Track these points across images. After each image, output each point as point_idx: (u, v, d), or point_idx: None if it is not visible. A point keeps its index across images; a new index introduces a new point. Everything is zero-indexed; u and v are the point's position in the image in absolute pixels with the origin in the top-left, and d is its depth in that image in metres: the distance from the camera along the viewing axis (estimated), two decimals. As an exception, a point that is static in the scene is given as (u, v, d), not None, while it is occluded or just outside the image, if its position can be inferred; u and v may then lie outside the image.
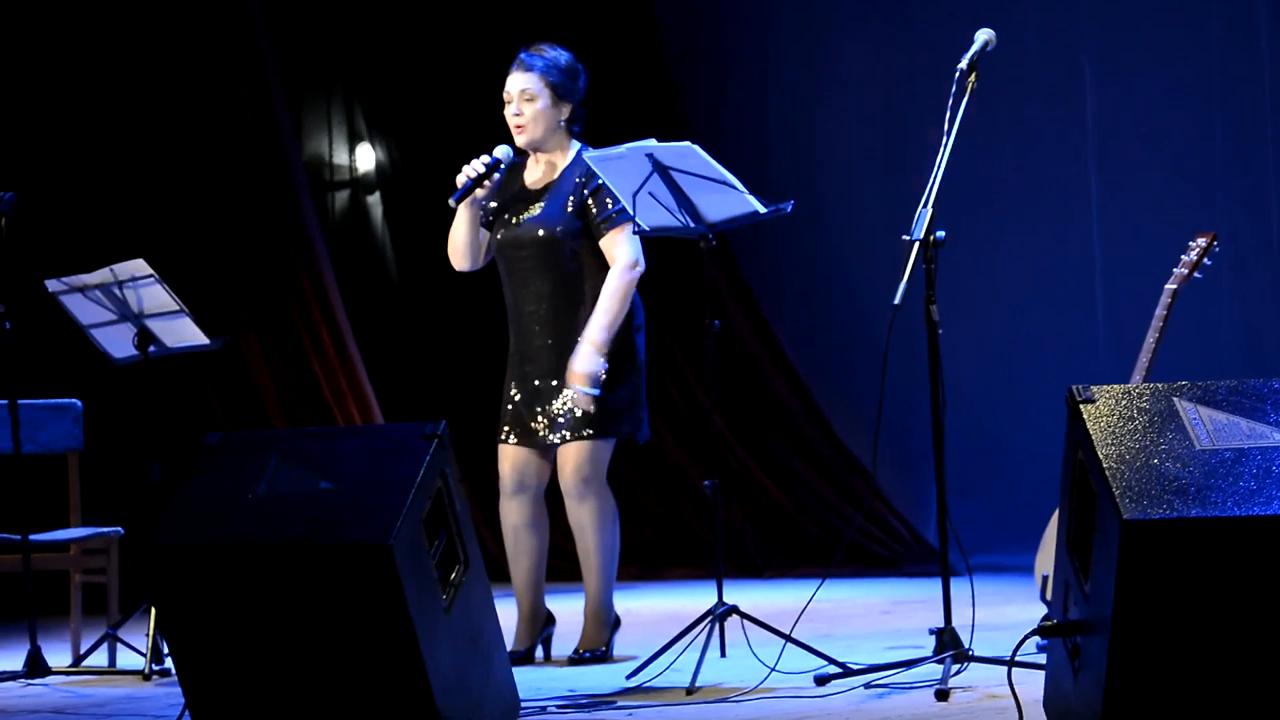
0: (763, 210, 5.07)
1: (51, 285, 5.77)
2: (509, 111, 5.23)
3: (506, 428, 5.30)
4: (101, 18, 8.67)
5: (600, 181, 5.18)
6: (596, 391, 5.11)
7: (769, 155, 9.10)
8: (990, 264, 8.63)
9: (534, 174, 5.32)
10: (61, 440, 6.22)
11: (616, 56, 9.34)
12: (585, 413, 5.14)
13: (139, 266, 5.64)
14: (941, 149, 4.61)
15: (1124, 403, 3.55)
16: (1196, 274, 5.13)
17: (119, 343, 5.84)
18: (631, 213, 5.15)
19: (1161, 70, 8.36)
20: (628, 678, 4.89)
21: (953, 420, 4.84)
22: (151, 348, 5.76)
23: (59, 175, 8.52)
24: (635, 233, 5.22)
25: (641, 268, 5.22)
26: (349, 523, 3.87)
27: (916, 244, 4.57)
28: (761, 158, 8.99)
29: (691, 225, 5.12)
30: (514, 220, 5.24)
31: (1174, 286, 5.10)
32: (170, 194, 8.78)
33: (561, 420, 5.19)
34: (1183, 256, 5.14)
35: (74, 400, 6.28)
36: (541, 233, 5.19)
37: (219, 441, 4.18)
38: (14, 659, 5.68)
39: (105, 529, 6.01)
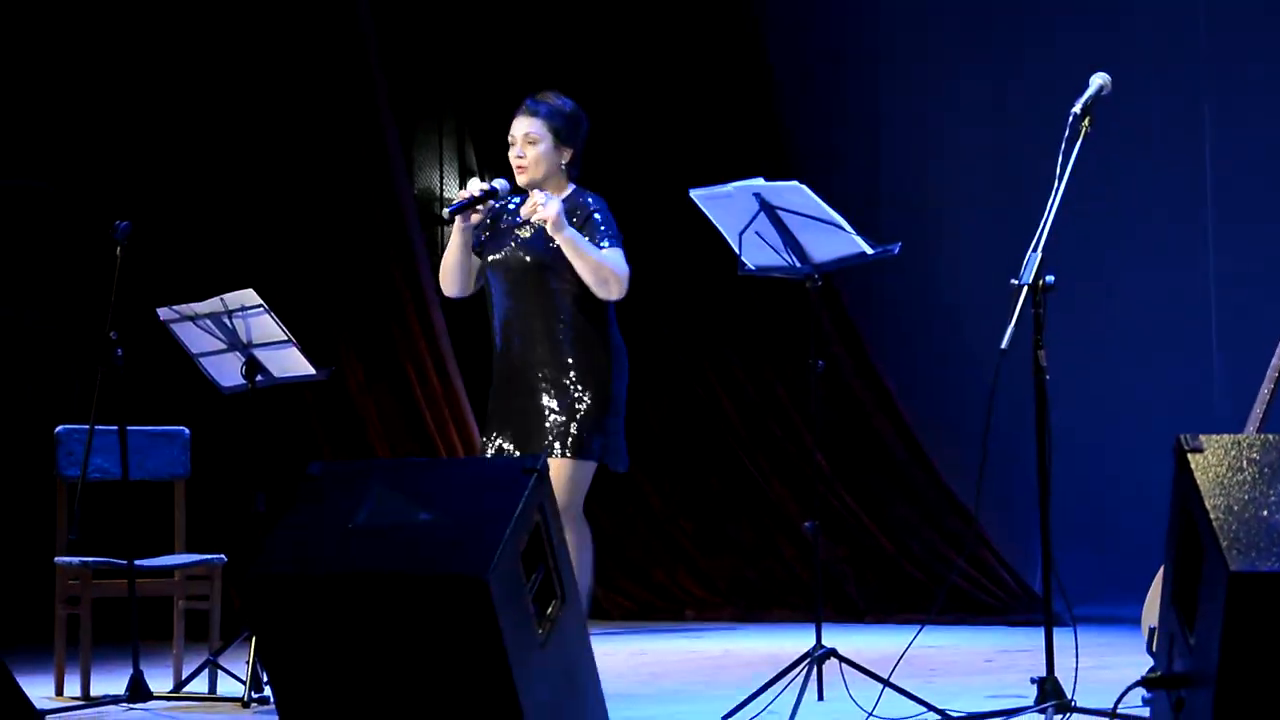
0: (870, 251, 5.04)
1: (163, 314, 5.85)
2: (512, 153, 5.39)
3: (484, 439, 5.39)
4: (216, 50, 8.81)
5: (590, 213, 5.28)
6: (557, 209, 5.18)
7: (879, 196, 9.07)
8: (1103, 308, 8.53)
9: (529, 207, 5.40)
10: (169, 467, 6.29)
11: (727, 96, 9.36)
12: (560, 434, 5.20)
13: (249, 296, 5.70)
14: (1053, 193, 4.57)
15: (1233, 453, 3.49)
16: (1314, 323, 5.03)
17: (227, 372, 5.90)
18: (737, 249, 5.13)
19: (1283, 111, 8.24)
20: (724, 718, 4.86)
21: (1060, 466, 4.78)
22: (259, 377, 5.82)
23: (173, 205, 8.65)
24: (741, 273, 5.22)
25: (623, 287, 5.23)
26: (447, 554, 3.88)
27: (1025, 289, 4.52)
28: (872, 198, 8.96)
29: (798, 265, 5.10)
30: (505, 245, 5.37)
31: (1291, 336, 5.01)
32: (281, 224, 8.89)
33: (534, 440, 5.25)
34: (1301, 305, 5.06)
35: (182, 428, 6.36)
36: (529, 258, 5.31)
37: (321, 471, 4.21)
38: (117, 683, 5.75)
39: (209, 556, 6.07)
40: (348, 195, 8.96)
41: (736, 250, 5.17)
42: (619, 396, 5.31)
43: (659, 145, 9.46)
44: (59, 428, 6.12)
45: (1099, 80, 4.72)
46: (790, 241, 5.07)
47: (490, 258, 5.37)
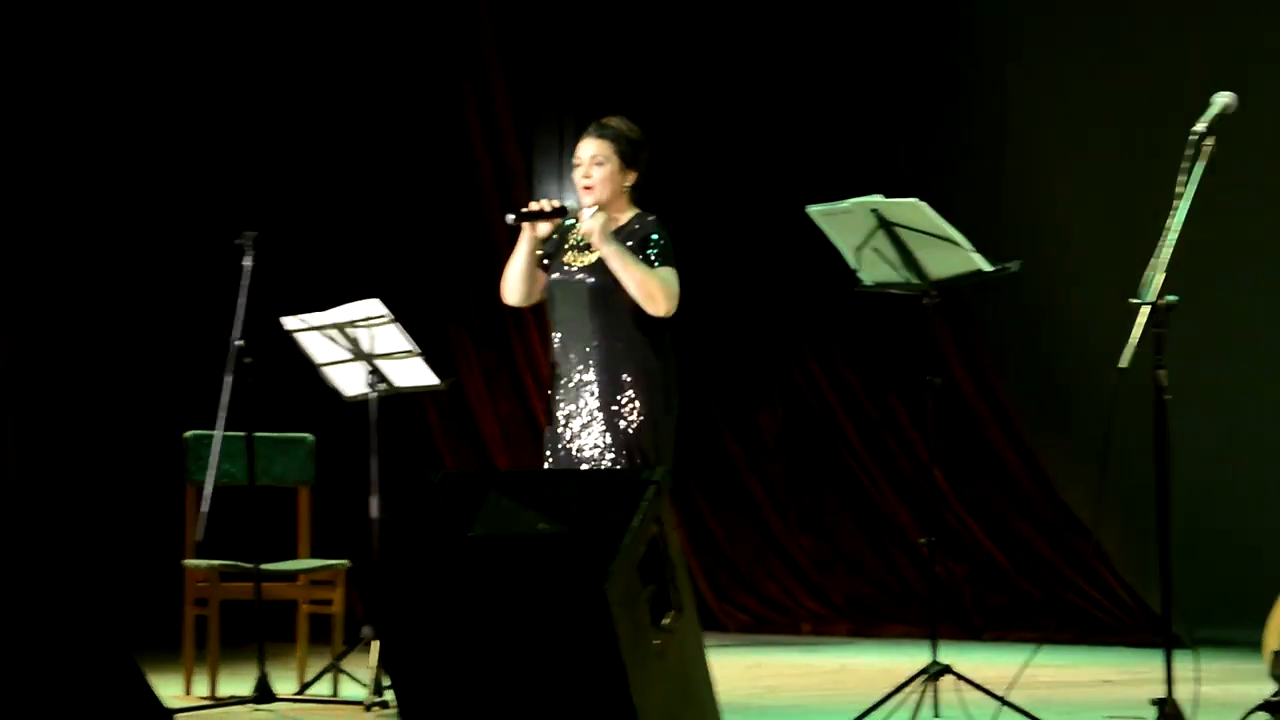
0: (988, 269, 5.04)
1: (288, 323, 5.94)
2: (578, 174, 5.52)
3: (546, 463, 5.47)
4: (339, 60, 8.92)
5: (647, 234, 5.37)
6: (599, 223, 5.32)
7: (999, 212, 9.01)
8: (1225, 328, 8.42)
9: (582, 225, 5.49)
10: (294, 473, 6.40)
11: (846, 112, 9.35)
12: (611, 449, 5.27)
13: (373, 306, 5.79)
14: (1175, 212, 4.53)
15: (1358, 475, 3.46)
16: None
17: (351, 380, 5.99)
18: (854, 266, 5.14)
19: None
20: (838, 733, 4.87)
21: (1182, 487, 4.74)
22: (381, 386, 5.90)
23: (298, 215, 8.77)
24: (858, 289, 5.23)
25: (671, 303, 5.32)
26: (564, 565, 3.92)
27: (1146, 307, 4.50)
28: (991, 215, 8.90)
29: (915, 282, 5.10)
30: (568, 264, 5.47)
31: None
32: (402, 233, 8.99)
33: (587, 456, 5.33)
34: None
35: (306, 435, 6.46)
36: (591, 279, 5.40)
37: (441, 479, 4.28)
38: (244, 684, 5.86)
39: (333, 561, 6.16)
40: (468, 203, 9.05)
41: (853, 266, 5.18)
42: (669, 413, 5.40)
43: (777, 158, 9.47)
44: (188, 434, 6.25)
45: (1223, 99, 4.67)
46: (908, 258, 5.07)
47: (553, 276, 5.49)
